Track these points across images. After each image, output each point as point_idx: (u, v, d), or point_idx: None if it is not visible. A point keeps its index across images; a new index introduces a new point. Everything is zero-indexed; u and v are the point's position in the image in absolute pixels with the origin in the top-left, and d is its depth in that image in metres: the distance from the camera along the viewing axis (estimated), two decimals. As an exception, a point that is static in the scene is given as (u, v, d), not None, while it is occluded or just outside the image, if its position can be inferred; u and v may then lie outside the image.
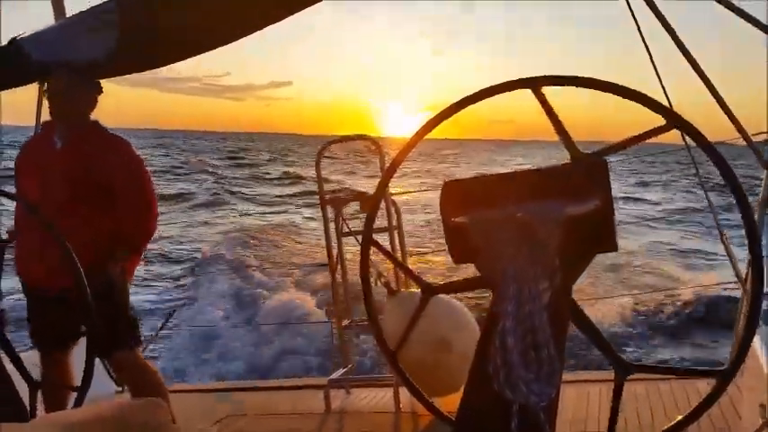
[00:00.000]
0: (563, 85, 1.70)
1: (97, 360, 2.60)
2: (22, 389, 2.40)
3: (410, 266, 3.55)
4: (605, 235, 1.64)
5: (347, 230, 3.81)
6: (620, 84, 1.67)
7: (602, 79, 1.70)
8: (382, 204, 3.57)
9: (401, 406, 3.31)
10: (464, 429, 1.72)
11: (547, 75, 1.70)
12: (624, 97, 1.67)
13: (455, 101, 1.81)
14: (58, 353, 2.85)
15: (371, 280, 2.12)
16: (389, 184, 2.08)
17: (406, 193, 16.63)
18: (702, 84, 2.64)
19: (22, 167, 2.87)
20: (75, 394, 2.48)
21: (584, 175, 1.66)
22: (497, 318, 1.58)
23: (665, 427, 1.74)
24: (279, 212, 21.45)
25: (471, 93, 1.77)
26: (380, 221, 3.62)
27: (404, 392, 3.28)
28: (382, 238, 3.78)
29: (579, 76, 1.69)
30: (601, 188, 1.61)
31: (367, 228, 2.02)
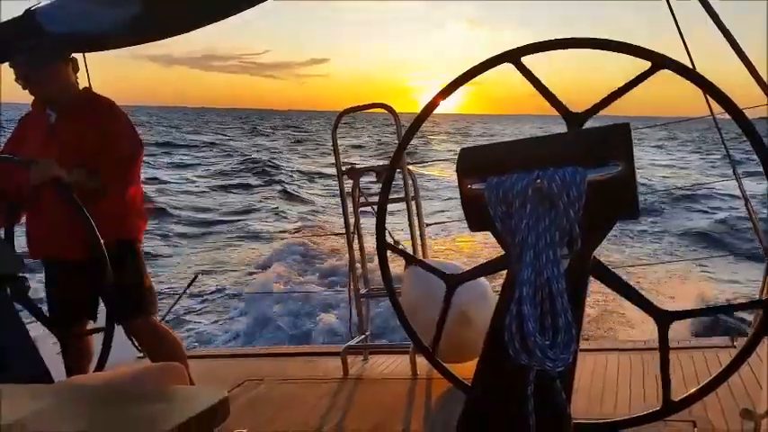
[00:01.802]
0: (543, 51, 1.70)
1: (118, 326, 2.65)
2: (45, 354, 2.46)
3: (429, 236, 3.55)
4: (627, 201, 1.60)
5: (364, 201, 3.81)
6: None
7: (581, 37, 1.69)
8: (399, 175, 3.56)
9: (417, 372, 3.33)
10: (479, 395, 1.72)
11: (524, 45, 1.71)
12: (606, 50, 1.65)
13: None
14: (78, 322, 2.88)
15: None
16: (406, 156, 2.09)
17: (423, 163, 16.57)
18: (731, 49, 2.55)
19: (18, 144, 2.86)
20: (96, 361, 2.54)
21: (606, 139, 1.61)
22: (514, 284, 1.56)
23: (697, 386, 1.72)
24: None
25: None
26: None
27: (420, 359, 3.30)
28: (399, 208, 3.78)
29: (557, 39, 1.69)
30: (623, 152, 1.57)
31: (382, 196, 2.01)
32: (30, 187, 2.61)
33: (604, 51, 1.67)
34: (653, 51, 1.62)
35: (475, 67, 1.78)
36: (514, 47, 1.72)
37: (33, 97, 2.87)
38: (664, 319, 1.68)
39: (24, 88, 2.79)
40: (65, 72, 2.81)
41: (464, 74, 1.80)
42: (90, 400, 1.13)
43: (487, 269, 1.86)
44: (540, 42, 1.71)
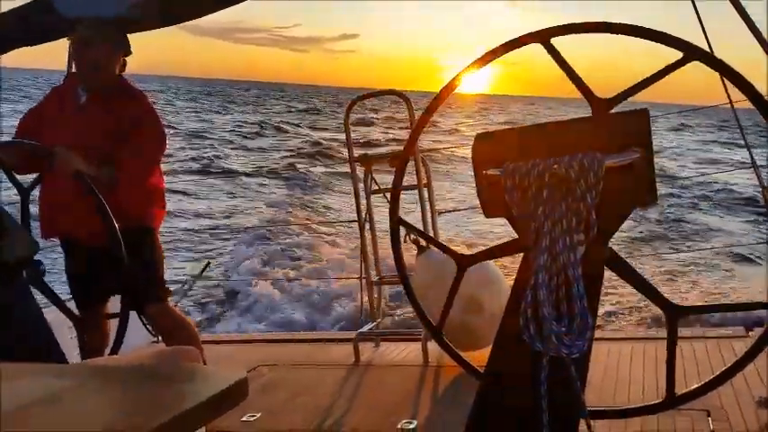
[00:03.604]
0: (573, 33, 1.66)
1: (133, 312, 2.67)
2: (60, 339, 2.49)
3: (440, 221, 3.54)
4: (645, 187, 1.59)
5: (376, 188, 3.81)
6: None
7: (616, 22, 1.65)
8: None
9: (429, 360, 3.34)
10: (492, 382, 1.72)
11: (554, 26, 1.67)
12: (639, 37, 1.62)
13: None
14: (94, 305, 2.91)
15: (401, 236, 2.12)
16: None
17: (436, 150, 16.53)
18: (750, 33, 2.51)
19: (45, 119, 2.87)
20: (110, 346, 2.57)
21: (624, 125, 1.60)
22: (530, 271, 1.56)
23: (715, 374, 1.72)
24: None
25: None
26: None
27: (431, 347, 3.31)
28: (411, 195, 3.78)
29: (589, 22, 1.65)
30: (642, 138, 1.56)
31: (395, 183, 2.01)
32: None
33: (631, 38, 1.64)
34: (687, 42, 1.59)
35: (501, 45, 1.72)
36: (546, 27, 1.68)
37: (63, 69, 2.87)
38: (673, 313, 1.68)
39: (76, 51, 2.78)
40: (116, 60, 2.81)
41: (486, 54, 1.74)
42: (110, 380, 1.14)
43: (501, 251, 1.84)
44: (570, 24, 1.66)
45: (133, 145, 2.70)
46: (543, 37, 1.67)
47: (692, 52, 1.58)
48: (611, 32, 1.65)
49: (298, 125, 35.09)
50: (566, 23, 1.68)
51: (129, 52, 2.86)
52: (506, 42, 1.73)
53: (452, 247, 2.04)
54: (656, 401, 1.75)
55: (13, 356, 2.19)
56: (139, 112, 2.79)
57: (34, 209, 2.76)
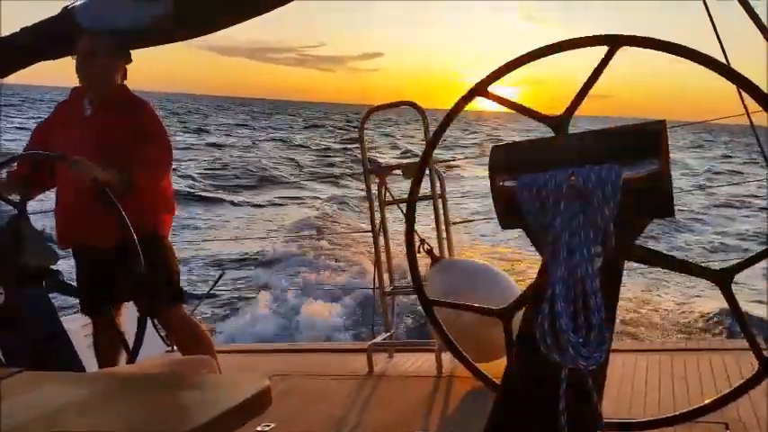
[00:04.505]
0: (505, 74, 1.77)
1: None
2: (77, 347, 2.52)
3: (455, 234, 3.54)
4: (663, 199, 1.58)
5: (390, 199, 3.82)
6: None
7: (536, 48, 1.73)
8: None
9: (443, 371, 3.33)
10: (510, 393, 1.71)
11: (487, 75, 1.79)
12: (563, 51, 1.69)
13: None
14: (109, 313, 2.93)
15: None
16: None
17: (451, 161, 16.57)
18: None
19: (52, 131, 2.93)
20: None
21: (641, 136, 1.60)
22: (547, 283, 1.55)
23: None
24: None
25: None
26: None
27: (445, 357, 3.30)
28: (425, 206, 3.78)
29: (514, 59, 1.75)
30: (659, 150, 1.55)
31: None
32: (58, 179, 2.67)
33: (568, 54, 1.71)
34: (605, 35, 1.65)
35: (454, 106, 1.88)
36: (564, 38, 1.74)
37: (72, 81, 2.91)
38: (723, 277, 1.65)
39: (78, 62, 2.84)
40: (117, 70, 2.88)
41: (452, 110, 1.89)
42: (129, 389, 1.15)
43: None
44: (501, 68, 1.77)
45: (138, 150, 2.74)
46: (482, 88, 1.80)
47: (613, 41, 1.63)
48: (538, 58, 1.74)
49: (327, 140, 35.79)
50: (497, 68, 1.80)
51: (129, 60, 2.94)
52: (456, 103, 1.87)
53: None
54: (750, 376, 1.69)
55: (28, 360, 2.22)
56: (143, 119, 2.84)
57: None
